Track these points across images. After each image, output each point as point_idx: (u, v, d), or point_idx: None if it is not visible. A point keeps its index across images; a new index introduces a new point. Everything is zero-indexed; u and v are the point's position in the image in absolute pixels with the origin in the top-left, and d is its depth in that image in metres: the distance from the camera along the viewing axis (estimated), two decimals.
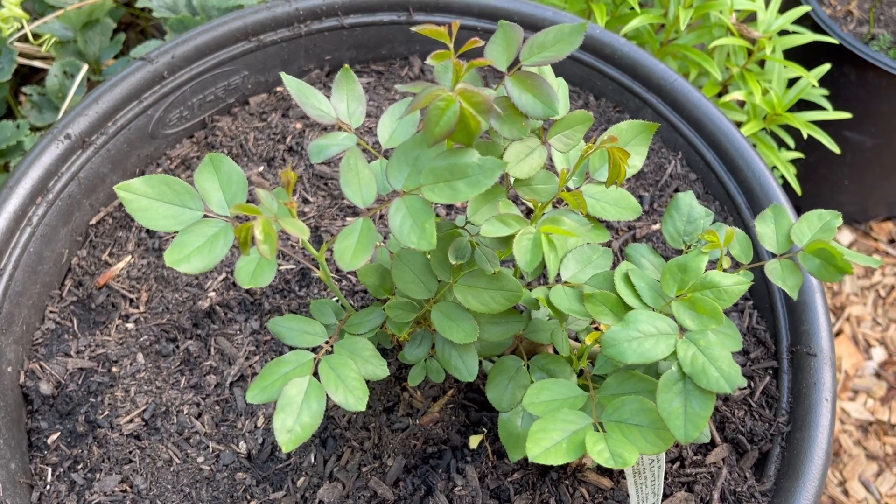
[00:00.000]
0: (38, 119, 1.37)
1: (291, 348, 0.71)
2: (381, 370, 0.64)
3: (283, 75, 0.58)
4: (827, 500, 1.53)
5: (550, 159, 0.67)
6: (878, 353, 1.69)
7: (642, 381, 0.62)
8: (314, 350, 0.63)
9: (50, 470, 0.81)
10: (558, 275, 0.67)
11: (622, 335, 0.58)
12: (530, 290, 0.68)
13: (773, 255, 0.63)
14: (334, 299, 0.74)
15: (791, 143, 1.31)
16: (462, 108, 0.51)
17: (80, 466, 0.81)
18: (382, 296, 0.69)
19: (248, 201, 0.60)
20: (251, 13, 1.03)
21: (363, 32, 1.08)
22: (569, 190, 0.66)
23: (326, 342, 0.66)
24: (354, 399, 0.60)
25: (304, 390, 0.59)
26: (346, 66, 0.61)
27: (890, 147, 1.64)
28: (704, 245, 0.61)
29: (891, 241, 1.84)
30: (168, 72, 0.99)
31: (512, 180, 0.64)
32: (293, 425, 0.58)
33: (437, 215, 0.95)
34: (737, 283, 0.58)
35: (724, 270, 0.64)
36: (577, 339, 0.85)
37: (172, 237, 0.96)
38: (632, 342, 0.57)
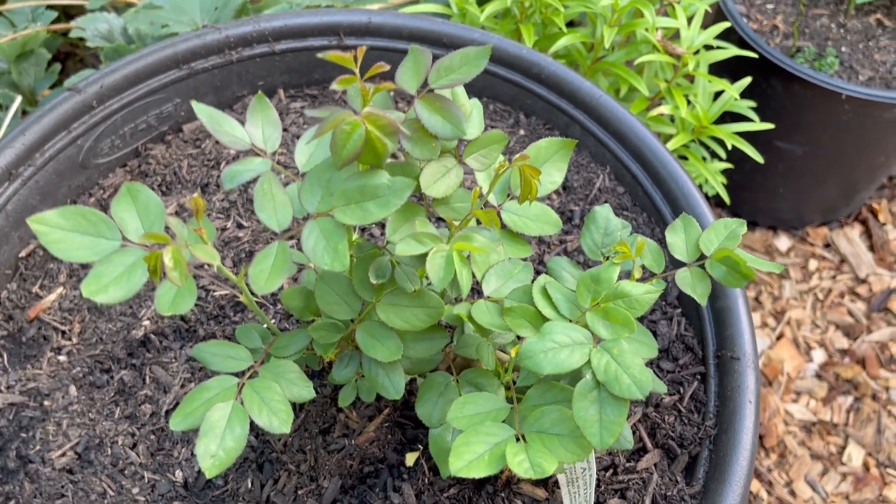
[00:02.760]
0: None
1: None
2: (307, 392, 0.64)
3: (194, 103, 0.58)
4: (774, 501, 1.56)
5: (474, 179, 0.69)
6: (819, 355, 1.74)
7: (563, 391, 0.63)
8: (240, 374, 0.64)
9: None
10: (480, 290, 0.68)
11: (538, 346, 0.59)
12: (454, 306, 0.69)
13: (684, 264, 0.66)
14: (263, 325, 0.75)
15: (723, 153, 1.35)
16: (368, 131, 0.52)
17: (11, 503, 0.80)
18: (308, 318, 0.69)
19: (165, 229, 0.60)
20: (181, 41, 1.03)
21: (295, 58, 1.09)
22: (489, 207, 0.68)
23: (251, 367, 0.66)
24: (279, 421, 0.60)
25: (228, 415, 0.59)
26: (260, 93, 0.62)
27: (819, 155, 1.70)
28: (616, 257, 0.63)
29: (826, 246, 1.90)
30: (97, 101, 0.99)
31: (431, 200, 0.66)
32: (216, 450, 0.58)
33: (371, 236, 0.96)
34: (647, 292, 0.60)
35: (640, 280, 0.66)
36: (504, 352, 0.86)
37: None
38: (547, 353, 0.59)
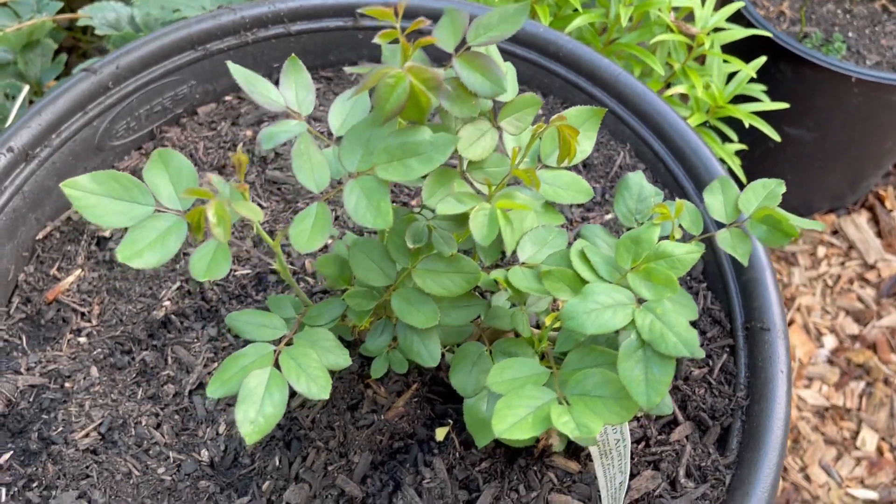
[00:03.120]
0: None
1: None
2: (342, 359, 0.63)
3: (230, 64, 0.57)
4: (789, 486, 1.56)
5: (503, 144, 0.68)
6: (829, 341, 1.74)
7: (603, 354, 0.62)
8: (275, 343, 0.63)
9: (3, 490, 0.78)
10: (515, 255, 0.67)
11: (581, 307, 0.58)
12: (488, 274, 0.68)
13: (722, 226, 0.65)
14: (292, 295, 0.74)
15: (734, 136, 1.34)
16: (412, 84, 0.51)
17: (34, 485, 0.78)
18: (341, 286, 0.68)
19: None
20: (196, 22, 1.02)
21: (310, 39, 1.09)
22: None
23: (286, 335, 0.65)
24: (318, 388, 0.59)
25: (265, 381, 0.58)
26: (294, 55, 0.61)
27: (828, 141, 1.70)
28: (656, 218, 0.63)
29: (834, 233, 1.90)
30: (113, 82, 0.98)
31: (465, 165, 0.65)
32: (256, 416, 0.57)
33: (393, 202, 0.95)
34: (689, 252, 0.60)
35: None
36: (537, 326, 0.86)
37: None
38: (590, 314, 0.58)
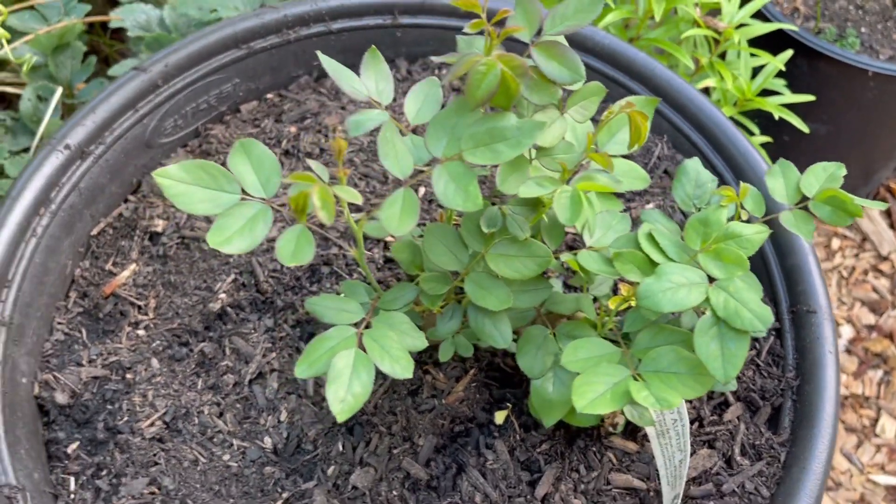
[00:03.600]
0: (12, 143, 1.35)
1: (318, 331, 0.71)
2: (420, 341, 0.65)
3: (321, 55, 0.59)
4: None
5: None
6: (847, 331, 1.77)
7: (674, 333, 0.65)
8: (354, 326, 0.65)
9: (73, 479, 0.80)
10: (573, 243, 0.69)
11: (656, 286, 0.60)
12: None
13: (784, 208, 0.67)
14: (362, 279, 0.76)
15: (756, 130, 1.37)
16: (503, 71, 0.53)
17: (103, 473, 0.80)
18: (413, 272, 0.70)
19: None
20: (240, 21, 1.04)
21: (350, 37, 1.11)
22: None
23: (363, 319, 0.67)
24: (401, 367, 0.61)
25: (352, 362, 0.60)
26: (373, 47, 0.63)
27: (842, 134, 1.73)
28: (721, 200, 0.65)
29: (848, 225, 1.93)
30: (162, 80, 0.99)
31: (533, 153, 0.67)
32: (345, 395, 0.59)
33: None
34: (758, 232, 0.62)
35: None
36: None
37: (178, 242, 0.95)
38: (666, 292, 0.60)
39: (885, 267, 1.85)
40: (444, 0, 1.09)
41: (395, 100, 0.98)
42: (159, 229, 0.97)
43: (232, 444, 0.82)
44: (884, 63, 1.53)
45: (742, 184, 0.66)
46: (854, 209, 0.62)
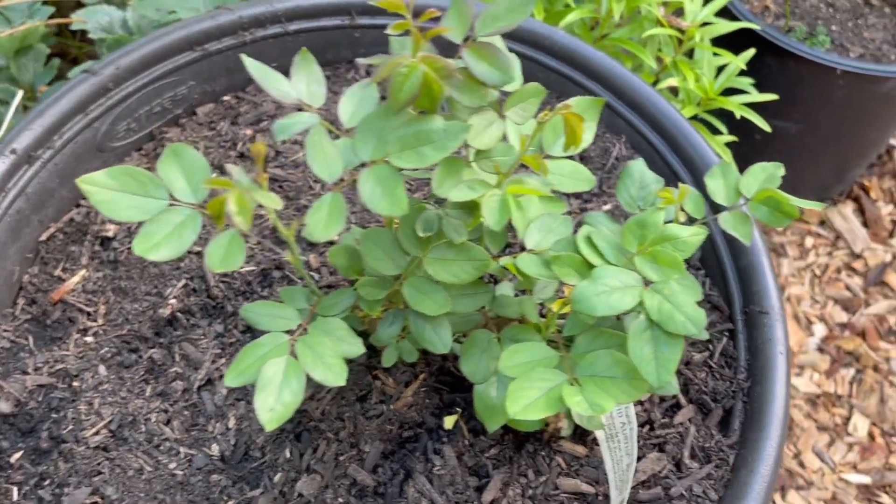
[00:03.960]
0: None
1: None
2: (356, 348, 0.64)
3: (244, 57, 0.58)
4: (784, 472, 1.58)
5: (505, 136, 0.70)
6: (819, 330, 1.77)
7: (611, 337, 0.64)
8: (290, 333, 0.64)
9: (16, 489, 0.78)
10: (521, 245, 0.69)
11: (591, 290, 0.60)
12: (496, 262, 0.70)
13: (724, 210, 0.67)
14: (302, 285, 0.75)
15: (724, 129, 1.37)
16: (425, 73, 0.52)
17: (46, 483, 0.79)
18: (352, 276, 0.69)
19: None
20: (195, 22, 1.03)
21: (307, 38, 1.10)
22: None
23: (300, 325, 0.66)
24: (334, 375, 0.60)
25: (283, 370, 0.59)
26: (304, 49, 0.62)
27: (813, 133, 1.73)
28: (660, 202, 0.64)
29: (821, 223, 1.93)
30: (113, 83, 0.98)
31: (472, 155, 0.66)
32: (274, 404, 0.58)
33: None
34: (694, 234, 0.61)
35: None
36: (541, 315, 0.87)
37: (129, 247, 0.94)
38: (600, 296, 0.59)
39: (858, 265, 1.85)
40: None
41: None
42: (111, 234, 0.96)
43: (179, 452, 0.81)
44: (851, 61, 1.53)
45: (681, 185, 0.65)
46: (790, 210, 0.61)
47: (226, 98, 1.10)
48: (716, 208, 0.91)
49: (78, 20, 1.38)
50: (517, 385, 0.60)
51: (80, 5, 1.67)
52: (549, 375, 0.61)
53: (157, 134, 1.06)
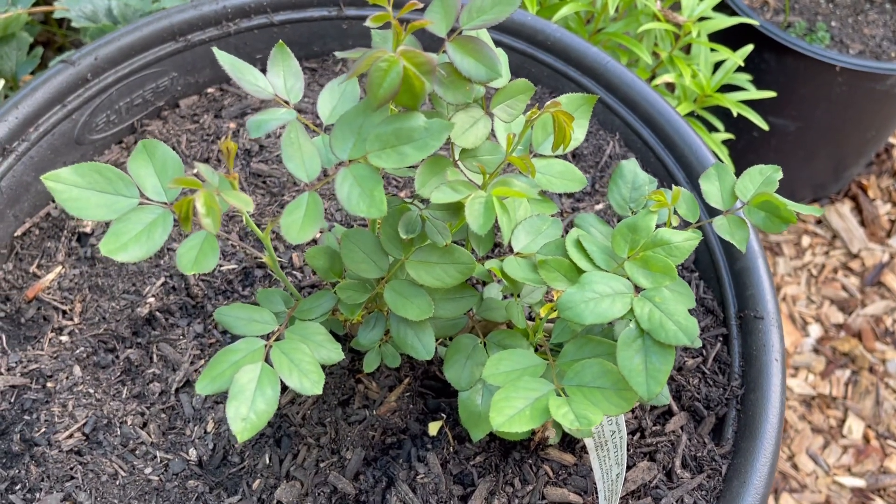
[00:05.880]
0: None
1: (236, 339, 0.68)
2: (335, 353, 0.62)
3: (216, 50, 0.56)
4: (777, 475, 1.56)
5: (493, 134, 0.67)
6: (815, 330, 1.75)
7: (601, 344, 0.61)
8: (266, 338, 0.61)
9: None
10: (510, 246, 0.66)
11: (578, 297, 0.57)
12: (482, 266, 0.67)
13: (719, 213, 0.64)
14: (281, 287, 0.72)
15: (720, 126, 1.34)
16: (405, 68, 0.50)
17: (17, 487, 0.76)
18: (332, 279, 0.67)
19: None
20: (177, 12, 1.00)
21: (294, 29, 1.07)
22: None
23: (277, 330, 0.64)
24: (310, 383, 0.58)
25: (257, 377, 0.57)
26: (281, 42, 0.60)
27: (811, 130, 1.70)
28: (652, 205, 0.62)
29: (818, 223, 1.91)
30: (92, 74, 0.95)
31: (457, 154, 0.64)
32: (247, 413, 0.55)
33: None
34: (687, 239, 0.59)
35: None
36: (530, 319, 0.85)
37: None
38: (588, 303, 0.57)
39: (854, 265, 1.83)
40: None
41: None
42: (88, 230, 0.93)
43: (155, 457, 0.78)
44: (850, 58, 1.50)
45: (674, 188, 0.63)
46: (788, 215, 0.58)
47: (210, 90, 1.07)
48: (711, 211, 0.89)
49: (61, 8, 1.34)
50: (502, 395, 0.58)
51: None
52: (536, 385, 0.59)
53: (139, 126, 1.03)
